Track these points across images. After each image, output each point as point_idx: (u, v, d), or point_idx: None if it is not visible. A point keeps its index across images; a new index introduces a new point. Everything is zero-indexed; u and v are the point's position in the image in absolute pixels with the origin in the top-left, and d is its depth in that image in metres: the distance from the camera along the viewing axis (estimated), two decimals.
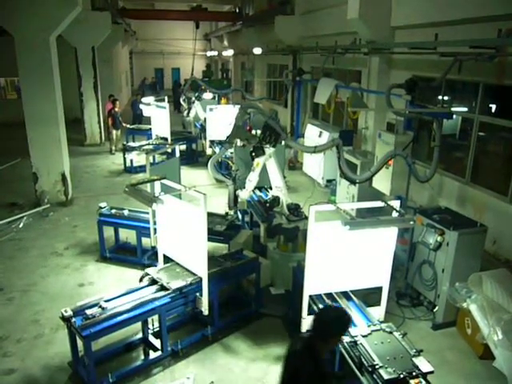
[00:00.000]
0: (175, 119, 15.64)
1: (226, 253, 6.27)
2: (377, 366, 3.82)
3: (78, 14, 9.30)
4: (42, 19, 8.63)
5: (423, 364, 3.87)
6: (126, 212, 7.41)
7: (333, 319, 3.21)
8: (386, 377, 3.71)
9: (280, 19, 15.28)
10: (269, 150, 6.43)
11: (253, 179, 6.66)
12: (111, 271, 7.03)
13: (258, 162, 6.47)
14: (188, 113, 14.72)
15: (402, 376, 3.73)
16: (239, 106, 6.96)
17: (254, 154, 6.43)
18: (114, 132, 14.68)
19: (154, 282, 5.25)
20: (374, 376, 3.79)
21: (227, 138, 7.49)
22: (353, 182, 7.29)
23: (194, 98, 14.34)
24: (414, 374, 3.77)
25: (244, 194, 6.92)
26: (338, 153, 5.97)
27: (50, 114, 9.20)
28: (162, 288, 5.10)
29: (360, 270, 4.67)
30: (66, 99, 10.10)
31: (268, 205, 6.90)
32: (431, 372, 3.83)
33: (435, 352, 5.04)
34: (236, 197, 7.05)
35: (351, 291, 4.91)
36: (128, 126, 14.85)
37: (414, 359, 3.92)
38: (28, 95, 9.08)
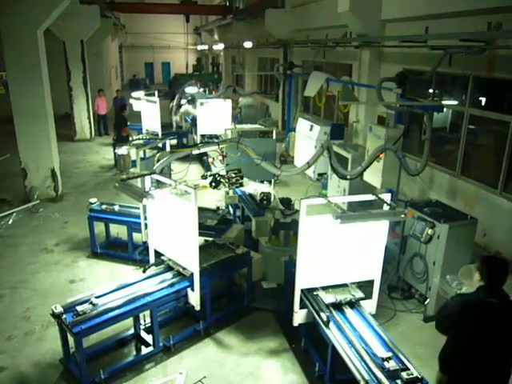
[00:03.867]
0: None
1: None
2: (319, 293, 4.65)
3: (65, 8, 9.16)
4: (28, 13, 8.48)
5: (358, 293, 4.71)
6: (116, 207, 7.36)
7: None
8: (326, 301, 4.53)
9: (270, 12, 15.23)
10: (226, 188, 6.45)
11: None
12: (102, 267, 6.98)
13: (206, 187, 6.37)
14: (176, 111, 14.33)
15: (337, 300, 4.56)
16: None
17: (213, 184, 6.30)
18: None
19: (170, 268, 5.36)
20: (318, 299, 4.58)
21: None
22: (344, 178, 7.30)
23: (186, 101, 14.17)
24: (348, 299, 4.60)
25: None
26: (329, 153, 5.98)
27: (38, 109, 9.07)
28: (180, 274, 5.23)
29: (352, 263, 4.69)
30: (55, 94, 9.98)
31: (265, 201, 6.89)
32: (363, 298, 4.70)
33: (426, 344, 5.06)
34: None
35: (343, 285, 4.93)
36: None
37: (351, 290, 4.72)
38: (16, 90, 8.94)
